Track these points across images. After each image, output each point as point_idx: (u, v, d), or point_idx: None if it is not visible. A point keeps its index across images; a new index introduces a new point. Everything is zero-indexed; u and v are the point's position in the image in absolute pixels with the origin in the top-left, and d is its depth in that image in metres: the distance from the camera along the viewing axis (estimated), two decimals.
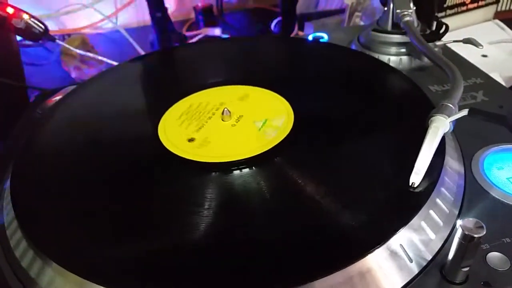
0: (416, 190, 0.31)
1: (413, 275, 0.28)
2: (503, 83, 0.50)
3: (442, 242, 0.30)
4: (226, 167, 0.35)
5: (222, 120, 0.40)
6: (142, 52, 0.74)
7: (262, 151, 0.36)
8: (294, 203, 0.32)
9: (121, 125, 0.42)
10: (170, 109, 0.42)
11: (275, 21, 0.84)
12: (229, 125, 0.39)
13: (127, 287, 0.27)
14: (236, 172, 0.34)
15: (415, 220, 0.29)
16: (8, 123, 0.49)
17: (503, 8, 0.80)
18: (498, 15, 0.80)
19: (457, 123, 0.35)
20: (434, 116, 0.34)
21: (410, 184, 0.31)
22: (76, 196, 0.34)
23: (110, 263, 0.29)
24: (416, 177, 0.31)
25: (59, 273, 0.29)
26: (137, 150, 0.39)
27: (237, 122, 0.40)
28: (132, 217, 0.32)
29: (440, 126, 0.33)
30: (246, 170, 0.34)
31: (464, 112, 0.34)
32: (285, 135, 0.37)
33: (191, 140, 0.38)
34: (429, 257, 0.29)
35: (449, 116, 0.34)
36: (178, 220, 0.31)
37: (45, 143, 0.41)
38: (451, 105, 0.35)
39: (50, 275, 0.29)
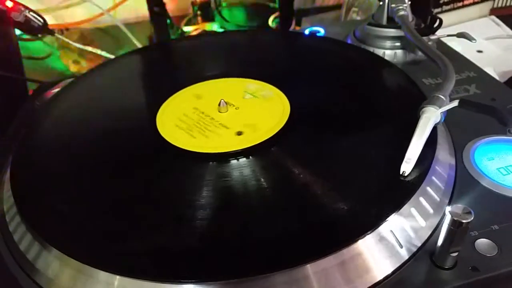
0: (407, 179, 0.32)
1: (403, 261, 0.29)
2: (497, 77, 0.51)
3: (432, 230, 0.31)
4: (222, 157, 0.36)
5: (219, 112, 0.41)
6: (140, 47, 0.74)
7: (259, 142, 0.36)
8: (287, 190, 0.33)
9: (119, 116, 0.43)
10: (168, 100, 0.43)
11: (272, 17, 0.84)
12: (225, 117, 0.40)
13: (126, 271, 0.27)
14: (233, 161, 0.35)
15: (405, 207, 0.30)
16: (7, 115, 0.50)
17: (499, 5, 0.81)
18: (494, 11, 0.81)
19: (449, 114, 0.36)
20: (425, 107, 0.35)
21: (401, 172, 0.32)
22: (75, 185, 0.35)
23: (109, 248, 0.29)
24: (407, 166, 0.32)
25: (60, 259, 0.29)
26: (135, 139, 0.40)
27: (232, 113, 0.40)
28: (130, 204, 0.33)
29: (431, 117, 0.34)
30: (242, 160, 0.35)
31: (455, 103, 0.35)
32: (281, 126, 0.38)
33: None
34: (419, 244, 0.30)
35: (440, 107, 0.34)
36: (176, 208, 0.32)
37: (43, 135, 0.42)
38: (442, 97, 0.35)
39: (49, 260, 0.30)
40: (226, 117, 0.40)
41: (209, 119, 0.40)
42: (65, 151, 0.39)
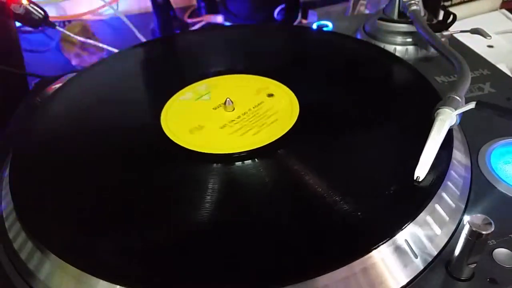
0: (421, 184, 0.30)
1: (418, 271, 0.28)
2: (510, 74, 0.49)
3: (448, 238, 0.30)
4: (227, 159, 0.34)
5: (225, 110, 0.39)
6: (143, 39, 0.73)
7: (266, 143, 0.35)
8: (299, 197, 0.31)
9: (121, 113, 0.42)
10: (174, 96, 0.42)
11: (278, 9, 0.83)
12: (231, 115, 0.39)
13: (126, 279, 0.26)
14: (238, 164, 0.34)
15: (421, 215, 0.29)
16: (7, 110, 0.49)
17: None
18: (504, 5, 0.79)
19: (463, 115, 0.35)
20: (440, 108, 0.33)
21: (415, 177, 0.30)
22: (76, 186, 0.34)
23: (109, 255, 0.28)
24: (421, 171, 0.30)
25: (58, 265, 0.28)
26: (138, 138, 0.38)
27: (239, 112, 0.39)
28: (132, 208, 0.32)
29: (446, 119, 0.32)
30: (248, 162, 0.34)
31: (471, 105, 0.33)
32: (289, 128, 0.37)
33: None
34: (435, 253, 0.29)
35: (455, 109, 0.33)
36: (178, 212, 0.31)
37: (44, 131, 0.40)
38: (458, 98, 0.34)
39: (48, 266, 0.29)
40: (232, 116, 0.39)
41: (215, 117, 0.39)
42: (66, 149, 0.38)
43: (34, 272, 0.29)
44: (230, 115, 0.39)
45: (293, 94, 0.40)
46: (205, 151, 0.35)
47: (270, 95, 0.41)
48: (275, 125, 0.37)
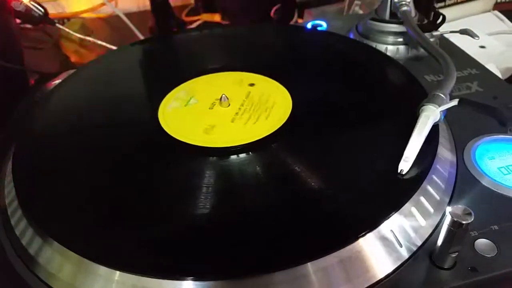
0: (405, 177, 0.32)
1: (403, 260, 0.29)
2: (499, 74, 0.50)
3: (432, 229, 0.31)
4: (223, 152, 0.36)
5: (221, 106, 0.40)
6: (142, 37, 0.74)
7: (260, 138, 0.36)
8: (288, 188, 0.32)
9: (120, 108, 0.43)
10: (171, 92, 0.43)
11: (274, 8, 0.84)
12: (227, 111, 0.40)
13: (126, 266, 0.28)
14: (233, 157, 0.35)
15: (406, 206, 0.30)
16: (7, 107, 0.50)
17: None
18: (497, 6, 0.80)
19: (450, 112, 0.36)
20: (425, 105, 0.35)
21: (398, 171, 0.32)
22: (76, 177, 0.35)
23: (109, 242, 0.30)
24: (405, 165, 0.32)
25: (59, 251, 0.29)
26: (136, 132, 0.40)
27: (234, 107, 0.40)
28: (131, 198, 0.33)
29: (430, 115, 0.34)
30: (243, 156, 0.35)
31: (454, 102, 0.35)
32: (282, 123, 0.38)
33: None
34: (419, 243, 0.30)
35: (439, 106, 0.34)
36: (176, 204, 0.32)
37: (45, 126, 0.41)
38: (442, 95, 0.35)
39: (50, 253, 0.30)
40: (227, 112, 0.40)
41: (211, 113, 0.40)
42: (66, 144, 0.39)
43: (35, 257, 0.30)
44: (229, 110, 0.40)
45: (285, 90, 0.42)
46: (203, 145, 0.36)
47: (251, 84, 0.43)
48: (270, 116, 0.39)
